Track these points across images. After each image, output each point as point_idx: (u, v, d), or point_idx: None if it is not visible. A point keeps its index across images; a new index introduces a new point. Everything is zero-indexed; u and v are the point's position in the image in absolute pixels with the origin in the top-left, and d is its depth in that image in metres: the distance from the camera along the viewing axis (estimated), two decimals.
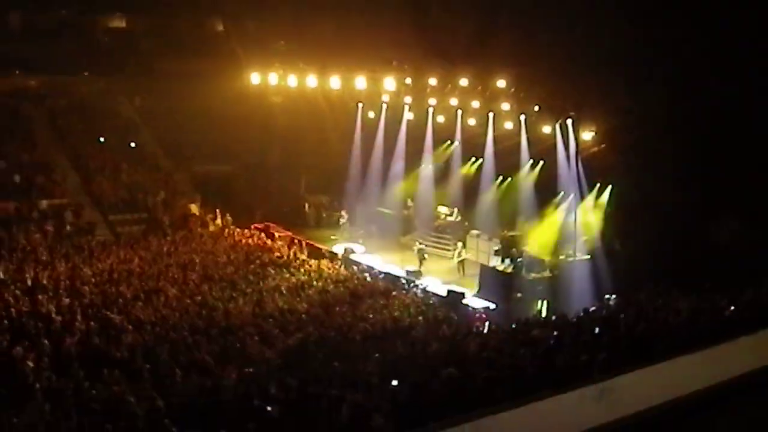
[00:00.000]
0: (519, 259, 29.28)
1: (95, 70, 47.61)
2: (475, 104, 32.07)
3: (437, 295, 28.37)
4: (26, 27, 50.40)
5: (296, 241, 35.23)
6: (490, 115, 32.05)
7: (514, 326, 20.72)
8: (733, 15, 24.04)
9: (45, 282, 26.99)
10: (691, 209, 24.97)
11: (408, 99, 35.55)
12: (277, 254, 32.45)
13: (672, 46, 25.08)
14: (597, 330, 15.34)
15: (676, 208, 25.39)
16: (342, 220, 38.30)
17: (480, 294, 28.70)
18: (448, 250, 34.59)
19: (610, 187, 29.08)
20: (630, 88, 25.80)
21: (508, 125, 31.22)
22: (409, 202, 38.08)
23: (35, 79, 45.88)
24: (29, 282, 27.09)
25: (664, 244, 25.88)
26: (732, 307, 15.04)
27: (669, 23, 24.95)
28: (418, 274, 30.94)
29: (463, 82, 31.56)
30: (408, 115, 36.52)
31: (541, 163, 31.54)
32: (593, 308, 21.22)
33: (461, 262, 32.19)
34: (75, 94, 46.16)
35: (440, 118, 34.99)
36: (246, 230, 36.65)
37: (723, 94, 24.04)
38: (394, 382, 11.34)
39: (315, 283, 28.62)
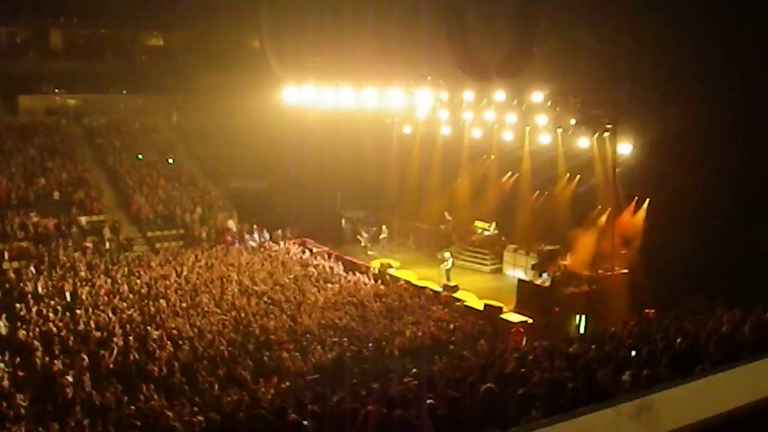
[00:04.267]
0: (557, 274, 29.07)
1: (133, 88, 48.24)
2: (512, 118, 31.88)
3: (474, 309, 28.27)
4: (66, 46, 51.19)
5: (333, 256, 35.30)
6: (527, 129, 31.89)
7: (551, 341, 20.54)
8: None
9: (84, 297, 27.28)
10: (731, 221, 24.64)
11: (444, 113, 35.46)
12: (314, 269, 32.53)
13: (710, 56, 24.80)
14: (636, 345, 15.16)
15: (716, 220, 25.07)
16: (382, 235, 38.32)
17: (517, 308, 28.53)
18: (485, 264, 34.50)
19: (648, 200, 28.80)
20: (668, 100, 25.54)
21: (545, 139, 31.01)
22: (447, 217, 37.96)
23: (74, 97, 46.50)
24: (68, 297, 27.40)
25: (704, 256, 25.55)
26: None
27: (709, 35, 24.64)
28: (454, 288, 30.85)
29: (499, 96, 31.39)
30: (444, 130, 36.44)
31: (578, 176, 31.32)
32: (632, 323, 20.97)
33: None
34: (113, 111, 46.70)
35: (476, 133, 34.85)
36: (283, 245, 36.78)
37: (764, 102, 23.68)
38: (431, 398, 11.27)
39: (352, 298, 28.64)
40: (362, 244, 38.44)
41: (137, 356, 21.78)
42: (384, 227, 38.62)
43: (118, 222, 37.75)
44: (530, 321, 26.85)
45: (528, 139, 32.20)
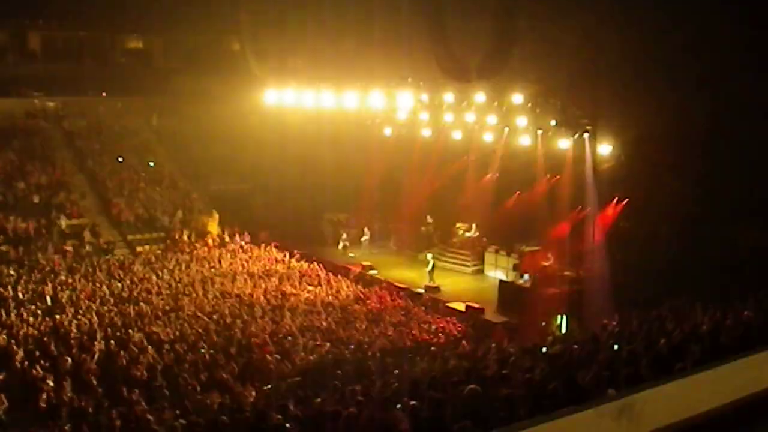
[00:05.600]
0: (537, 275, 29.14)
1: (113, 91, 48.01)
2: (492, 120, 31.91)
3: (456, 310, 28.30)
4: (45, 48, 50.90)
5: (314, 258, 35.23)
6: (507, 130, 31.93)
7: (533, 342, 20.59)
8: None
9: (64, 301, 27.11)
10: (710, 220, 24.79)
11: (424, 115, 35.45)
12: (295, 272, 32.47)
13: (687, 59, 24.96)
14: (617, 344, 15.22)
15: (695, 220, 25.23)
16: (364, 238, 38.37)
17: (499, 309, 28.60)
18: (467, 266, 34.56)
19: (627, 200, 28.93)
20: (647, 102, 25.66)
21: (525, 140, 31.07)
22: (428, 219, 38.00)
23: (54, 99, 46.24)
24: (49, 301, 27.22)
25: (685, 256, 25.67)
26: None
27: (690, 35, 24.77)
28: (436, 289, 30.90)
29: (480, 97, 31.41)
30: (424, 131, 36.45)
31: (558, 177, 31.40)
32: (613, 322, 21.05)
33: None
34: (93, 114, 46.48)
35: (457, 134, 34.89)
36: (264, 248, 36.69)
37: (740, 102, 23.83)
38: (414, 400, 11.28)
39: (333, 300, 28.60)
40: (340, 246, 38.49)
41: (118, 360, 21.65)
42: (365, 229, 38.65)
43: (99, 225, 37.58)
44: (512, 322, 26.91)
45: (508, 140, 32.23)
